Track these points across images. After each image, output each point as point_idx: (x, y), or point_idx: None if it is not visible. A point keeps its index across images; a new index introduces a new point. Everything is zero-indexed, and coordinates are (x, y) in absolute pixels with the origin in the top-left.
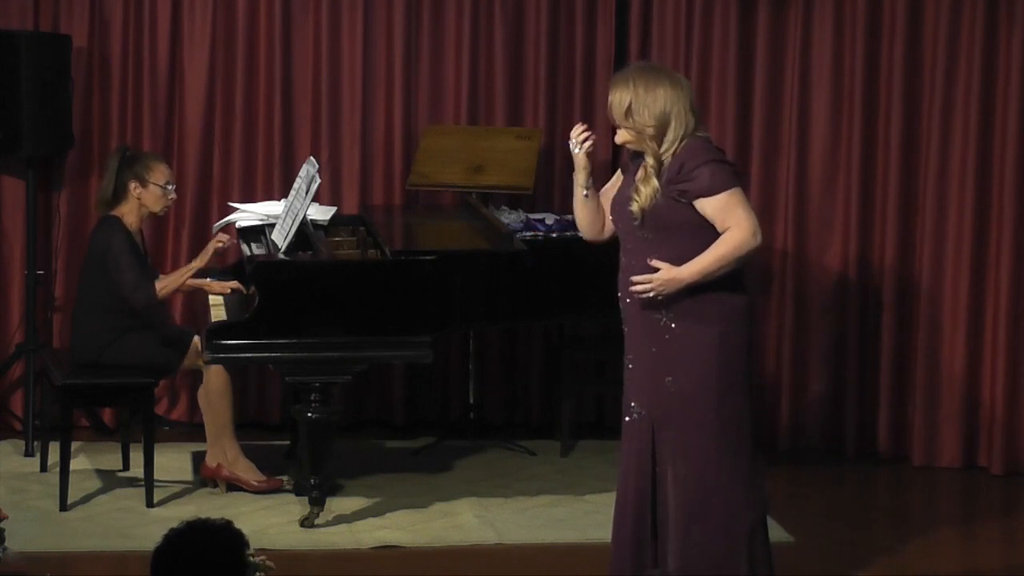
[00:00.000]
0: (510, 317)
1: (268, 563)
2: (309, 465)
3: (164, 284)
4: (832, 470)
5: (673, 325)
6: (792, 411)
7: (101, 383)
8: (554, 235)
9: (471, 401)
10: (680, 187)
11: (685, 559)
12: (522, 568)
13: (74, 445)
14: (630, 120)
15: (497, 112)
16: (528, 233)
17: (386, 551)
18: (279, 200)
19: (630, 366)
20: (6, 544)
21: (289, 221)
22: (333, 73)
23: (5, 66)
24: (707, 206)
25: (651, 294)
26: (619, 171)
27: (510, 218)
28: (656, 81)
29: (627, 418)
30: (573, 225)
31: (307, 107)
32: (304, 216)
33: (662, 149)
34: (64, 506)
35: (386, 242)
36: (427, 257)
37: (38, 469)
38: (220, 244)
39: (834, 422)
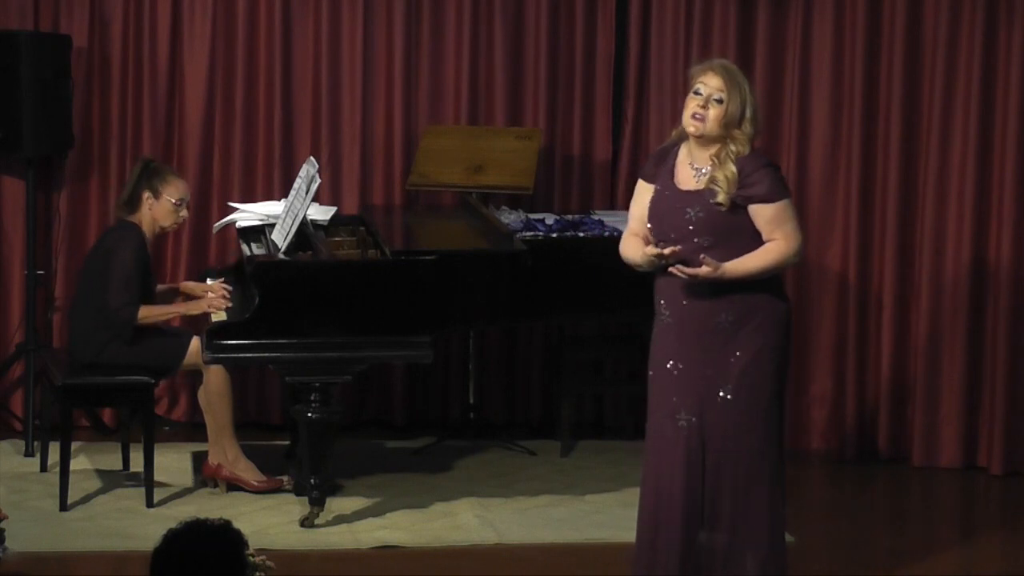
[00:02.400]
0: (510, 317)
1: (268, 563)
2: (309, 465)
3: (147, 314)
4: (832, 470)
5: (732, 329)
6: (792, 411)
7: (101, 383)
8: (554, 235)
9: (471, 401)
10: (742, 192)
11: (736, 560)
12: (522, 568)
13: (74, 445)
14: (735, 115)
15: (497, 112)
16: (528, 233)
17: (386, 551)
18: (279, 200)
19: (674, 372)
20: (6, 544)
21: (289, 221)
22: (333, 73)
23: (5, 66)
24: (762, 212)
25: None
26: (640, 181)
27: (510, 218)
28: (750, 83)
29: (669, 423)
30: (573, 225)
31: (307, 107)
32: (304, 216)
33: (736, 147)
34: (64, 506)
35: (386, 242)
36: (427, 257)
37: (38, 469)
38: (214, 310)
39: (834, 422)
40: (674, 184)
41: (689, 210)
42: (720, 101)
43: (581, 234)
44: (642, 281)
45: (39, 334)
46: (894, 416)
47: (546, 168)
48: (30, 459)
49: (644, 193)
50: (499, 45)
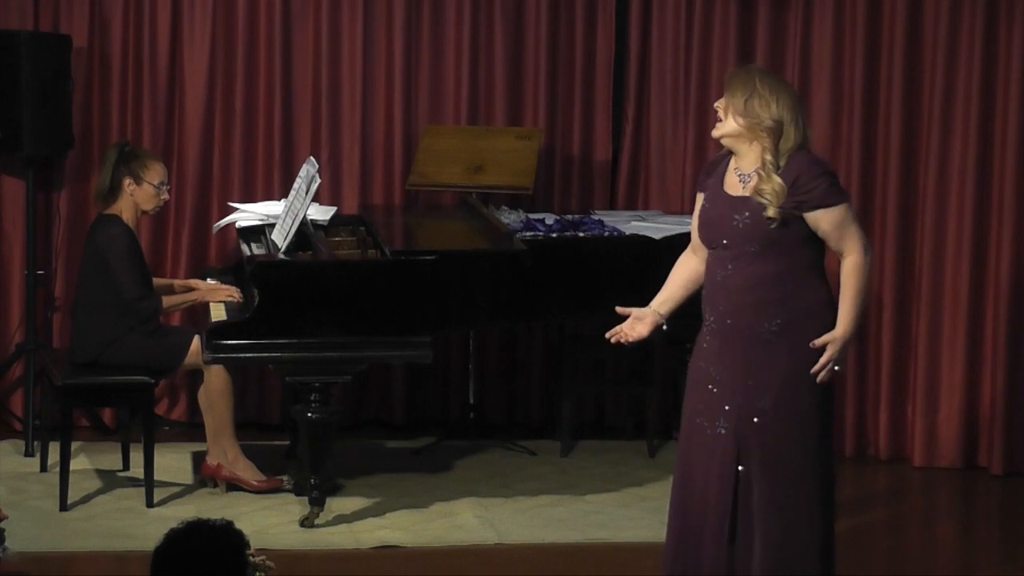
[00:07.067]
0: (510, 317)
1: (268, 563)
2: (309, 465)
3: (171, 302)
4: None
5: (775, 339)
6: None
7: (101, 383)
8: (554, 235)
9: (471, 401)
10: (797, 199)
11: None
12: (522, 568)
13: (74, 445)
14: (746, 111)
15: (497, 112)
16: (528, 233)
17: (386, 551)
18: (279, 200)
19: (718, 378)
20: (6, 544)
21: (289, 221)
22: (333, 73)
23: (5, 66)
24: (823, 218)
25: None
26: (697, 193)
27: (510, 218)
28: (780, 87)
29: (710, 430)
30: (573, 225)
31: (307, 107)
32: (304, 216)
33: (772, 156)
34: (64, 506)
35: (386, 242)
36: (427, 257)
37: (38, 469)
38: (231, 298)
39: (834, 422)
40: (724, 191)
41: (736, 216)
42: (736, 114)
43: (581, 234)
44: (642, 281)
45: (39, 334)
46: (894, 416)
47: (546, 168)
48: (30, 459)
49: (697, 204)
50: (499, 45)
